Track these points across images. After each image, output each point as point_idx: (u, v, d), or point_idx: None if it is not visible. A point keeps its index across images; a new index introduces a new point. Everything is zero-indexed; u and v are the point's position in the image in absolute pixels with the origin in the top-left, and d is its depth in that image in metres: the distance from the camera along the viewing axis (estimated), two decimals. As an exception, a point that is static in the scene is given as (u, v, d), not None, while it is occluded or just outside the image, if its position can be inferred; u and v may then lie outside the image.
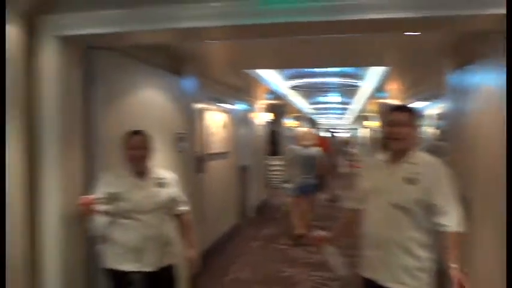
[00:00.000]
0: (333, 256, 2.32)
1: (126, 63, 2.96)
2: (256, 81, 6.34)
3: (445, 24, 2.27)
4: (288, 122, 13.28)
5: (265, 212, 8.13)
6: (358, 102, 11.01)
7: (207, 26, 2.26)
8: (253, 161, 7.84)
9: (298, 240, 5.77)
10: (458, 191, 1.96)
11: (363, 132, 19.40)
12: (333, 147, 8.57)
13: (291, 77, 7.43)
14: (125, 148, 2.35)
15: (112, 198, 2.26)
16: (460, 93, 3.05)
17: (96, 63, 2.64)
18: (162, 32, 2.36)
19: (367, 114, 13.79)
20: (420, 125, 2.15)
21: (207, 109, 5.16)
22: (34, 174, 2.34)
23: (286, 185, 9.29)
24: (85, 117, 2.59)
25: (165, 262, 2.38)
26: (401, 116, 2.01)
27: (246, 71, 5.39)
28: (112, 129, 2.67)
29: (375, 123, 13.47)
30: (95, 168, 2.61)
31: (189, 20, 2.23)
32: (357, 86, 8.08)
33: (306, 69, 6.90)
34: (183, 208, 2.54)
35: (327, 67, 6.57)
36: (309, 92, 8.81)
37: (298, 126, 13.84)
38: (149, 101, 3.26)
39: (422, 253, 1.93)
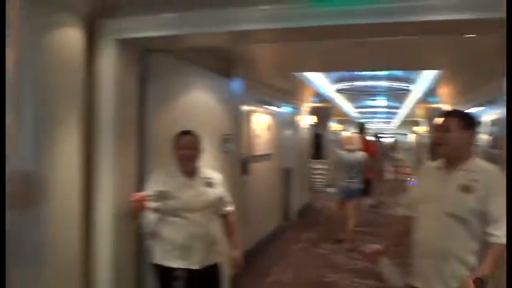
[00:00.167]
0: (387, 267, 2.26)
1: (178, 65, 3.06)
2: (303, 84, 6.33)
3: (502, 27, 2.16)
4: (333, 126, 13.13)
5: (307, 216, 8.06)
6: (406, 107, 10.69)
7: (257, 29, 2.30)
8: (296, 163, 7.81)
9: (339, 245, 5.75)
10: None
11: (411, 138, 18.80)
12: (379, 152, 8.35)
13: (338, 80, 7.34)
14: (175, 148, 2.42)
15: (162, 196, 2.33)
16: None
17: (151, 65, 2.75)
18: (214, 34, 2.41)
19: (416, 119, 13.36)
20: (476, 132, 2.05)
21: (253, 111, 5.21)
22: (90, 172, 2.46)
23: (329, 189, 9.22)
24: (139, 117, 2.70)
25: (211, 261, 2.42)
26: (451, 121, 1.94)
27: (294, 73, 5.38)
28: (163, 129, 2.76)
29: (424, 129, 13.03)
30: (147, 167, 2.71)
31: (239, 23, 2.27)
32: (405, 90, 7.84)
33: (353, 72, 6.79)
34: (229, 208, 2.59)
35: (375, 70, 6.43)
36: (356, 95, 8.66)
37: (343, 130, 13.65)
38: (199, 102, 3.34)
39: (475, 262, 1.85)
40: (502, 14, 1.89)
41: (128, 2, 2.40)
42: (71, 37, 2.18)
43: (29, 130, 2.04)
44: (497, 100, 3.53)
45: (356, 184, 5.84)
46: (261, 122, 5.56)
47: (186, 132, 2.44)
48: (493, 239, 1.78)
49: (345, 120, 13.77)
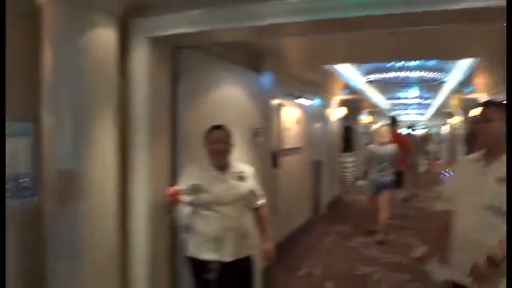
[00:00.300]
0: (432, 264, 2.23)
1: (208, 61, 3.10)
2: (333, 77, 6.26)
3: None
4: (364, 118, 12.92)
5: (338, 209, 8.02)
6: (440, 98, 10.37)
7: (285, 22, 2.29)
8: (327, 156, 7.76)
9: (370, 237, 5.75)
10: None
11: (445, 130, 18.24)
12: (412, 145, 8.18)
13: (369, 71, 7.21)
14: (207, 142, 2.47)
15: (194, 190, 2.37)
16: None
17: (181, 62, 2.80)
18: (243, 29, 2.43)
19: (450, 110, 12.95)
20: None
21: (283, 105, 5.21)
22: (126, 168, 2.53)
23: (359, 182, 9.12)
24: (171, 113, 2.76)
25: (243, 253, 2.45)
26: (491, 112, 1.88)
27: (323, 66, 5.34)
28: (195, 124, 2.80)
29: (459, 120, 12.61)
30: (180, 162, 2.77)
31: (267, 17, 2.27)
32: (439, 80, 7.61)
33: (384, 63, 6.65)
34: (260, 201, 2.61)
35: (407, 60, 6.28)
36: (387, 86, 8.48)
37: (373, 123, 13.42)
38: (229, 97, 3.37)
39: None
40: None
41: (158, 0, 2.45)
42: (105, 37, 2.24)
43: (67, 130, 2.13)
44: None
45: (387, 177, 5.82)
46: (291, 115, 5.55)
47: (217, 127, 2.48)
48: None
49: (376, 112, 13.50)
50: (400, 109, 13.91)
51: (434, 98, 11.00)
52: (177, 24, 2.42)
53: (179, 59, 2.79)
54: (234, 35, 2.70)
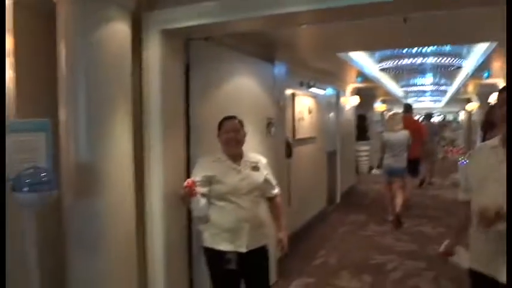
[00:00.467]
0: (458, 253, 2.22)
1: (220, 51, 3.09)
2: (346, 65, 6.19)
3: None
4: (378, 106, 12.78)
5: (352, 198, 8.00)
6: (456, 84, 10.18)
7: (297, 11, 2.26)
8: (341, 146, 7.72)
9: (386, 226, 5.79)
10: None
11: (462, 116, 17.94)
12: (427, 131, 8.10)
13: (383, 58, 7.10)
14: (221, 132, 2.48)
15: (209, 181, 2.39)
16: None
17: (194, 54, 2.80)
18: (255, 19, 2.42)
19: (467, 96, 12.72)
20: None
21: (297, 94, 5.18)
22: (141, 160, 2.57)
23: (374, 171, 9.05)
24: (185, 105, 2.77)
25: (258, 243, 2.46)
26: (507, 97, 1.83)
27: (337, 54, 5.27)
28: (209, 115, 2.82)
29: (476, 106, 12.39)
30: (193, 153, 2.79)
31: (280, 6, 2.25)
32: (455, 66, 7.46)
33: (398, 50, 6.54)
34: (275, 191, 2.62)
35: (422, 46, 6.16)
36: (401, 73, 8.35)
37: (388, 110, 13.26)
38: (242, 87, 3.37)
39: None
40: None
41: (170, -7, 2.45)
42: (119, 32, 2.26)
43: (84, 124, 2.16)
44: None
45: (400, 163, 5.93)
46: (304, 105, 5.52)
47: (229, 117, 2.51)
48: None
49: (390, 100, 13.34)
50: (415, 96, 13.70)
51: (450, 84, 10.80)
52: (190, 16, 2.42)
53: (192, 51, 2.79)
54: (247, 25, 2.68)
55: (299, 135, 5.23)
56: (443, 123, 16.80)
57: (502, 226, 1.76)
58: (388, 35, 4.12)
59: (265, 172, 2.55)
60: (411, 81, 10.43)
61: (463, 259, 2.17)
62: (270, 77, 3.83)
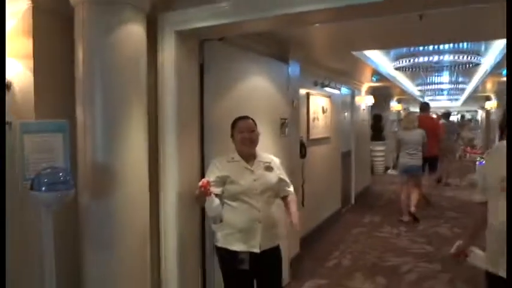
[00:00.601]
0: (473, 254, 2.19)
1: (234, 52, 3.10)
2: (361, 63, 6.14)
3: None
4: (394, 106, 12.64)
5: (367, 199, 7.93)
6: (474, 82, 9.99)
7: (311, 10, 2.24)
8: (356, 146, 7.67)
9: (401, 227, 5.81)
10: None
11: (480, 115, 17.60)
12: (444, 130, 8.01)
13: (398, 57, 7.02)
14: (234, 133, 2.50)
15: (222, 181, 2.41)
16: None
17: (208, 54, 2.82)
18: (269, 19, 2.40)
19: (485, 94, 12.48)
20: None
21: (311, 94, 5.16)
22: (156, 160, 2.59)
23: (390, 171, 8.98)
24: (199, 105, 2.79)
25: (272, 243, 2.47)
26: None
27: (351, 53, 5.23)
28: (223, 115, 2.83)
29: (495, 104, 12.14)
30: (207, 153, 2.81)
31: (293, 5, 2.23)
32: (472, 63, 7.33)
33: (414, 48, 6.46)
34: (290, 188, 2.64)
35: (439, 44, 6.07)
36: (418, 72, 8.24)
37: (405, 110, 13.11)
38: (256, 87, 3.38)
39: None
40: None
41: (184, -6, 2.47)
42: (135, 33, 2.28)
43: (99, 124, 2.19)
44: None
45: (415, 161, 5.99)
46: (319, 104, 5.49)
47: (243, 118, 2.52)
48: None
49: (407, 99, 13.18)
50: (431, 94, 13.51)
51: (468, 82, 10.61)
52: (204, 17, 2.43)
53: (206, 51, 2.81)
54: (261, 25, 2.68)
55: (313, 136, 5.21)
56: (463, 123, 16.49)
57: None
58: (404, 32, 4.07)
59: (278, 172, 2.56)
60: (428, 80, 10.28)
61: (480, 260, 2.14)
62: (283, 77, 3.83)
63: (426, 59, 6.92)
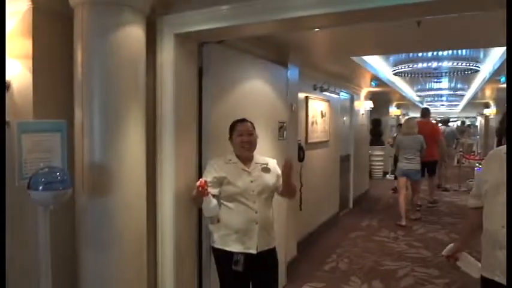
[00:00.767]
0: (465, 260, 2.20)
1: (233, 54, 3.12)
2: (360, 69, 6.16)
3: None
4: (393, 111, 12.67)
5: (365, 203, 7.94)
6: (473, 88, 10.03)
7: (310, 15, 2.26)
8: (354, 150, 7.68)
9: (399, 231, 5.87)
10: None
11: (479, 121, 17.62)
12: (442, 136, 8.08)
13: (397, 62, 7.05)
14: (233, 135, 2.51)
15: (219, 182, 2.43)
16: None
17: (207, 57, 2.83)
18: (268, 23, 2.40)
19: (484, 100, 12.52)
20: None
21: (310, 98, 5.18)
22: (154, 161, 2.60)
23: (389, 176, 8.98)
24: (197, 107, 2.80)
25: (268, 245, 2.48)
26: None
27: (351, 58, 5.26)
28: (221, 118, 2.84)
29: (493, 111, 12.17)
30: (206, 154, 2.81)
31: (293, 9, 2.23)
32: (471, 70, 7.37)
33: (413, 54, 6.49)
34: None
35: (437, 50, 6.10)
36: (417, 78, 8.27)
37: (404, 115, 13.13)
38: (255, 91, 3.38)
39: None
40: None
41: (184, -3, 2.48)
42: (134, 36, 2.29)
43: (97, 124, 2.21)
44: None
45: (413, 165, 6.20)
46: (317, 108, 5.51)
47: (241, 120, 2.54)
48: None
49: (406, 104, 13.21)
50: (430, 100, 13.56)
51: (467, 88, 10.65)
52: (203, 20, 2.44)
53: (205, 54, 2.82)
54: (260, 29, 2.69)
55: (312, 139, 5.22)
56: (463, 129, 16.50)
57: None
58: (403, 38, 4.09)
59: (275, 173, 2.57)
60: (427, 86, 10.32)
61: (470, 266, 2.15)
62: (282, 81, 3.84)
63: (425, 65, 6.95)
